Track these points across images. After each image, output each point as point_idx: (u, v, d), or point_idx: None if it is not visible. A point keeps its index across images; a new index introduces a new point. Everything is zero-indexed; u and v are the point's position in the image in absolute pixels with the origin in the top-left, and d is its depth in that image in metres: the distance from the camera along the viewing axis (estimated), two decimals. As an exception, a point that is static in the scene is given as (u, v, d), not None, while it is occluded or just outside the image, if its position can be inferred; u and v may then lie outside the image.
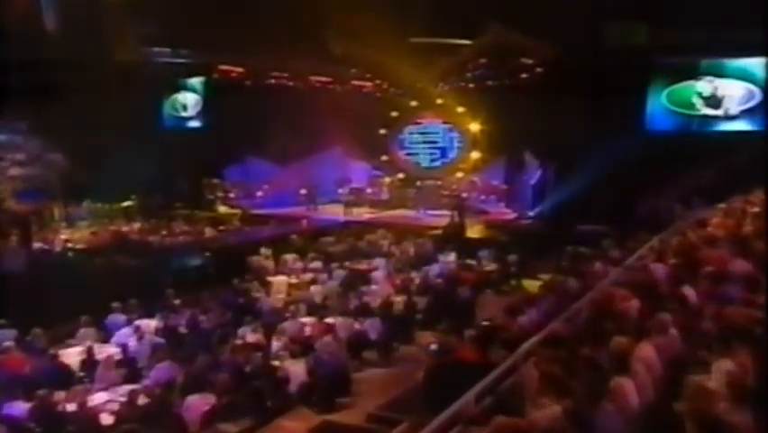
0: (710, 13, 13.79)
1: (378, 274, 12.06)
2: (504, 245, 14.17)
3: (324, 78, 21.05)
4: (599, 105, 15.31)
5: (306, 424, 7.02)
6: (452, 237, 15.21)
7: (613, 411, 3.79)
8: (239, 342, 8.61)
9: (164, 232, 17.18)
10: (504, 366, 4.98)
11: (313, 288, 11.58)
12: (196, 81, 23.79)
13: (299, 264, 13.42)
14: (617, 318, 5.58)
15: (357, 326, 9.25)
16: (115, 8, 19.28)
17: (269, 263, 13.57)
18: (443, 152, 21.07)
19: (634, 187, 15.01)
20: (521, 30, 16.83)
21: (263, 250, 14.06)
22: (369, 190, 20.62)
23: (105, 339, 9.27)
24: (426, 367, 6.28)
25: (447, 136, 20.94)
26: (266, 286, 11.81)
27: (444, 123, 20.84)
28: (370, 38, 16.10)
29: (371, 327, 9.26)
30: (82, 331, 9.28)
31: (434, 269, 12.41)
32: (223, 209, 21.03)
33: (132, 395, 6.86)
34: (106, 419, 6.76)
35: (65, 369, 7.97)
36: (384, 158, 21.28)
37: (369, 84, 20.96)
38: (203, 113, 23.85)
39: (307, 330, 9.08)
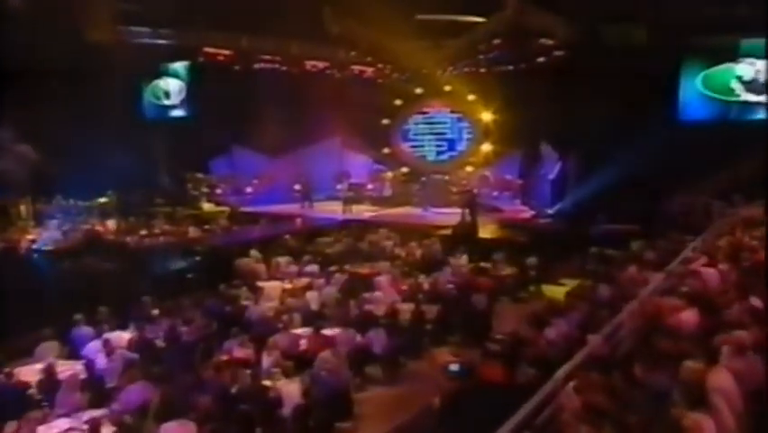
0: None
1: (381, 279, 11.90)
2: (521, 247, 14.13)
3: (320, 62, 21.14)
4: (626, 91, 15.21)
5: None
6: (463, 238, 15.17)
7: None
8: (224, 357, 8.39)
9: (143, 231, 17.08)
10: (539, 396, 4.59)
11: (309, 294, 11.40)
12: (179, 65, 23.71)
13: (293, 268, 13.30)
14: (672, 335, 5.37)
15: (359, 338, 9.13)
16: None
17: (260, 267, 13.41)
18: (452, 143, 21.11)
19: (664, 182, 14.94)
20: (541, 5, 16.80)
21: (253, 252, 13.94)
22: (369, 186, 20.85)
23: (70, 355, 9.03)
24: (444, 391, 6.02)
25: (456, 126, 20.97)
26: (256, 292, 11.64)
27: (453, 112, 20.85)
28: (372, 15, 15.95)
29: (375, 339, 9.12)
30: (43, 345, 8.98)
31: (444, 273, 12.31)
32: (208, 206, 21.05)
33: (94, 423, 6.45)
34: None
35: (21, 390, 7.64)
36: (386, 150, 21.35)
37: (370, 68, 21.08)
38: (187, 100, 23.82)
39: (303, 343, 8.96)
